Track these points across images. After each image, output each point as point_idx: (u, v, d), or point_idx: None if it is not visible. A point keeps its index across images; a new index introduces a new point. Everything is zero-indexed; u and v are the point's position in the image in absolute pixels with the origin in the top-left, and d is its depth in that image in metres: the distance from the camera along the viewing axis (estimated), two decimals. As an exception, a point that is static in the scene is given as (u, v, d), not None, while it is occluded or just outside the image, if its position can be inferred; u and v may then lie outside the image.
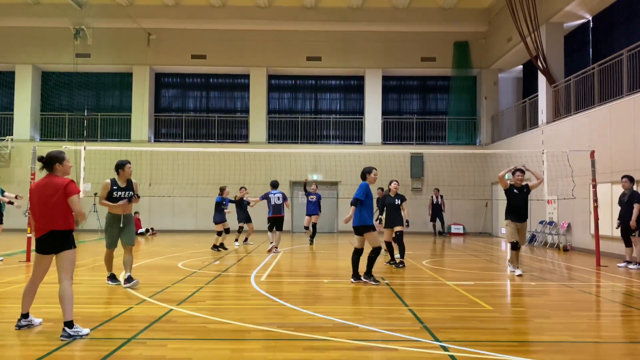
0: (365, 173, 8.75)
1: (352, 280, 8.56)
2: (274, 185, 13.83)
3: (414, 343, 4.88)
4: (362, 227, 8.46)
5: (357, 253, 8.66)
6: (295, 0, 23.22)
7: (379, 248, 8.56)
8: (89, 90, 24.40)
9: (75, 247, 5.32)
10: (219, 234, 13.84)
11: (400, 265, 10.62)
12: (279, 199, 13.47)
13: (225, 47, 23.73)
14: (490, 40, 23.17)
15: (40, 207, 5.16)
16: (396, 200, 11.07)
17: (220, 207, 14.02)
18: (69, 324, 4.94)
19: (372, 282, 8.42)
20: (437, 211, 21.03)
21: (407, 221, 11.04)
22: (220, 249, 13.79)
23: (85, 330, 5.02)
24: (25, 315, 5.35)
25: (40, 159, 5.27)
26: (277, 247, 13.36)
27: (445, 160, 21.35)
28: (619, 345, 5.06)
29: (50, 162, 5.22)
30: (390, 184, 11.35)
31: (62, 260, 5.17)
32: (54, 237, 5.17)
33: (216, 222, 13.89)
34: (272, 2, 23.32)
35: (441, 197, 21.01)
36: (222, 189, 14.34)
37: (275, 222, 13.44)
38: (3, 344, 4.82)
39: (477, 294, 7.53)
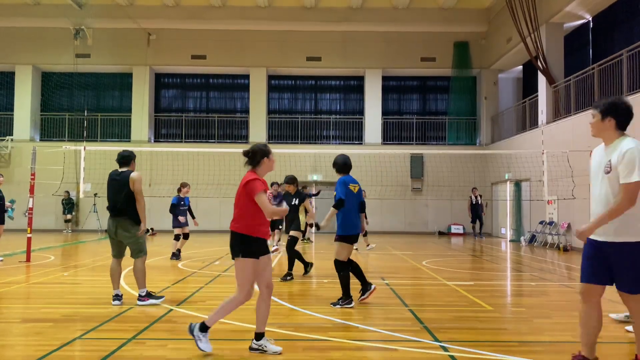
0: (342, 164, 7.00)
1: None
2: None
3: (414, 343, 4.88)
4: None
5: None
6: (295, 1, 23.22)
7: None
8: (89, 91, 24.42)
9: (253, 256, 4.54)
10: (177, 238, 11.93)
11: (288, 278, 8.72)
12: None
13: (225, 47, 23.73)
14: (490, 41, 23.18)
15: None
16: (294, 199, 9.31)
17: (179, 208, 11.84)
18: (260, 335, 4.53)
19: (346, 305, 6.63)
20: (476, 212, 20.45)
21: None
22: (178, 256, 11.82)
23: (277, 348, 4.50)
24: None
25: (247, 153, 4.72)
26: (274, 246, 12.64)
27: (445, 161, 21.36)
28: (619, 345, 5.06)
29: (256, 156, 4.70)
30: (285, 180, 9.34)
31: (235, 268, 4.58)
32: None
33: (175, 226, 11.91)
34: (272, 2, 23.32)
35: (480, 196, 20.48)
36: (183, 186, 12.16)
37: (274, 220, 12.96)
38: (3, 344, 4.82)
39: (477, 294, 7.53)
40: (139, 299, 6.54)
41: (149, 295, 6.63)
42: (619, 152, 3.69)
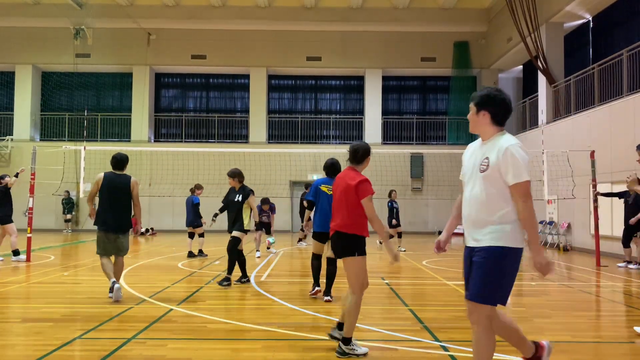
0: (339, 168, 7.02)
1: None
2: (263, 202, 13.09)
3: (414, 343, 4.88)
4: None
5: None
6: (295, 0, 23.22)
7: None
8: (89, 91, 24.42)
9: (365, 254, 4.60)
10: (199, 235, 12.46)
11: (225, 283, 7.95)
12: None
13: (225, 47, 23.73)
14: (490, 40, 23.17)
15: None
16: (237, 195, 8.34)
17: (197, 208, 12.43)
18: (347, 340, 4.46)
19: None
20: None
21: (256, 223, 7.76)
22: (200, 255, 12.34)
23: (362, 349, 4.47)
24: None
25: (355, 151, 4.71)
26: (258, 250, 12.54)
27: (445, 161, 21.33)
28: (619, 345, 5.06)
29: (362, 154, 4.71)
30: (228, 173, 8.63)
31: (346, 268, 4.57)
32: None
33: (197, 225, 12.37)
34: (272, 2, 23.32)
35: None
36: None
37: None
38: (3, 344, 4.82)
39: (477, 294, 7.51)
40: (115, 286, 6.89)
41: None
42: (499, 150, 3.23)
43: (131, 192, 7.05)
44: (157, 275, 9.17)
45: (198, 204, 12.45)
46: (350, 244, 4.51)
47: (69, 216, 21.83)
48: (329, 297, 7.00)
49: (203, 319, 5.79)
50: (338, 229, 4.57)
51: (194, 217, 12.31)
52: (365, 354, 4.46)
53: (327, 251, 6.94)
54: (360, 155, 4.72)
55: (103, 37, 23.38)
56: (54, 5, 22.45)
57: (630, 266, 10.85)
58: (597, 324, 6.15)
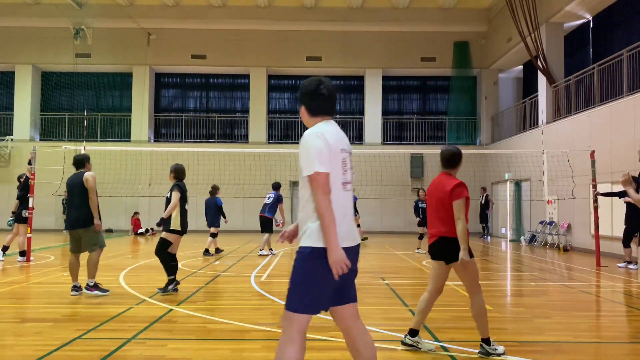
0: None
1: None
2: (274, 187, 13.10)
3: (414, 343, 4.87)
4: None
5: None
6: (295, 0, 23.22)
7: None
8: (89, 90, 24.41)
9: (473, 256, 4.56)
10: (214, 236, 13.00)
11: (170, 287, 7.33)
12: (269, 199, 12.91)
13: (225, 47, 23.73)
14: (490, 40, 23.17)
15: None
16: (168, 192, 7.76)
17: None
18: (487, 340, 4.48)
19: None
20: (482, 212, 20.20)
21: (161, 220, 7.43)
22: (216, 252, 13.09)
23: (501, 349, 4.48)
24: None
25: (452, 156, 4.77)
26: (262, 249, 12.86)
27: (445, 161, 21.33)
28: (619, 345, 5.06)
29: (457, 159, 4.78)
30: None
31: (459, 273, 4.58)
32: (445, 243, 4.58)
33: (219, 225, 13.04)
34: (272, 2, 23.32)
35: (486, 196, 20.23)
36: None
37: (260, 221, 12.89)
38: (3, 344, 4.82)
39: (477, 294, 7.52)
40: (86, 288, 7.10)
41: (96, 286, 7.14)
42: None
43: (85, 187, 7.09)
44: (157, 276, 9.16)
45: (221, 206, 13.14)
46: (456, 248, 4.50)
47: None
48: None
49: (203, 319, 5.79)
50: (443, 234, 4.54)
51: (215, 218, 12.95)
52: (503, 353, 4.48)
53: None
54: (456, 160, 4.77)
55: (103, 37, 23.38)
56: (54, 5, 22.44)
57: (631, 266, 10.85)
58: (598, 324, 6.15)
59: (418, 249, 14.13)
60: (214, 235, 12.92)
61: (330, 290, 2.95)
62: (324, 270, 2.84)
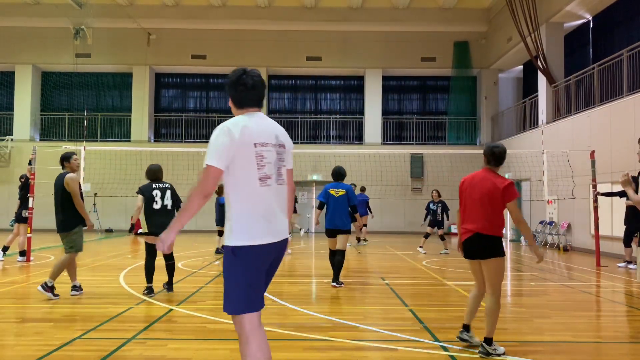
0: (344, 174, 8.51)
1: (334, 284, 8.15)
2: None
3: (414, 343, 4.88)
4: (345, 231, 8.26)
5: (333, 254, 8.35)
6: (295, 0, 23.21)
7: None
8: (89, 90, 24.40)
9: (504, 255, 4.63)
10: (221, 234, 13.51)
11: (145, 292, 7.23)
12: None
13: (225, 47, 23.72)
14: (490, 40, 23.17)
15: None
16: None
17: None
18: (489, 340, 4.52)
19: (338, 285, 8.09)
20: None
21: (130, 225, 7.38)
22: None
23: (501, 349, 4.54)
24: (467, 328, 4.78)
25: (501, 153, 4.74)
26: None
27: (446, 161, 21.34)
28: (619, 345, 5.06)
29: (504, 157, 4.74)
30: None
31: (488, 269, 4.61)
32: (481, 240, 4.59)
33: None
34: (272, 2, 23.31)
35: None
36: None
37: None
38: (3, 344, 4.82)
39: (477, 294, 7.52)
40: (42, 286, 6.84)
41: (52, 289, 6.85)
42: None
43: (66, 189, 6.87)
44: (156, 276, 9.14)
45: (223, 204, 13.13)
46: (495, 245, 4.54)
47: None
48: (335, 284, 8.07)
49: (203, 319, 5.79)
50: (479, 231, 4.56)
51: (222, 217, 13.02)
52: (504, 353, 4.51)
53: (339, 244, 8.15)
54: (502, 157, 4.74)
55: (103, 37, 23.37)
56: (54, 5, 22.44)
57: (631, 266, 10.85)
58: (597, 324, 6.15)
59: (421, 247, 14.05)
60: (222, 234, 13.16)
61: (261, 288, 2.95)
62: (251, 270, 2.86)
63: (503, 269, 4.61)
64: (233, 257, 2.85)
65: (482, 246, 4.55)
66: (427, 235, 14.12)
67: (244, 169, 2.86)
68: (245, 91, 3.12)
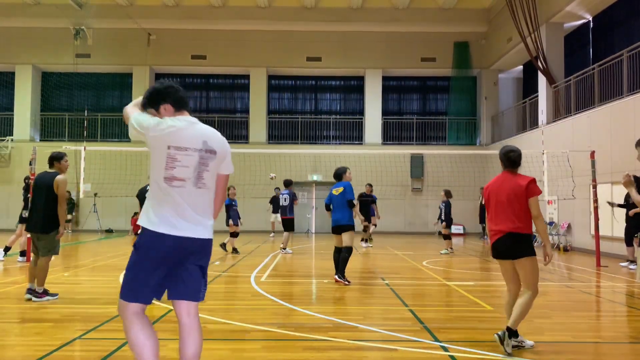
0: (341, 173, 8.88)
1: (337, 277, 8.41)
2: (285, 184, 13.80)
3: (414, 343, 4.88)
4: (347, 226, 8.56)
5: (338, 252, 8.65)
6: (295, 1, 23.22)
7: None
8: (89, 91, 24.41)
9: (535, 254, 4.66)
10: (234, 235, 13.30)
11: (27, 296, 6.77)
12: (285, 200, 13.50)
13: (225, 47, 23.73)
14: (490, 41, 23.17)
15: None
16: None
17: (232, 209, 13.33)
18: (514, 333, 4.58)
19: (345, 282, 8.29)
20: (484, 212, 19.65)
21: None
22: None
23: (529, 343, 4.72)
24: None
25: (519, 156, 4.79)
26: (284, 248, 13.41)
27: (446, 161, 21.34)
28: (619, 346, 5.06)
29: (521, 159, 4.80)
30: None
31: (523, 268, 4.65)
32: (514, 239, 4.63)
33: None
34: (272, 2, 23.32)
35: None
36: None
37: (283, 223, 13.68)
38: (3, 344, 4.82)
39: (477, 294, 7.53)
40: (35, 295, 6.65)
41: (46, 292, 6.76)
42: None
43: (55, 191, 6.59)
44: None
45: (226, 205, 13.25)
46: (527, 243, 4.60)
47: (69, 217, 21.81)
48: (338, 277, 8.33)
49: (203, 319, 5.77)
50: (513, 230, 4.59)
51: (227, 217, 13.27)
52: (531, 346, 4.67)
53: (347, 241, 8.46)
54: (517, 161, 4.77)
55: (103, 37, 23.38)
56: (54, 5, 22.45)
57: (631, 266, 10.84)
58: (598, 325, 6.15)
59: (451, 249, 13.85)
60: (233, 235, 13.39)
61: (154, 281, 3.02)
62: (143, 258, 3.00)
63: (537, 267, 4.65)
64: (135, 246, 3.05)
65: (514, 245, 4.60)
66: (445, 237, 14.02)
67: (154, 167, 3.06)
68: (154, 95, 3.23)
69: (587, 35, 18.02)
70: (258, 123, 23.67)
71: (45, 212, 6.61)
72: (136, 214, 21.43)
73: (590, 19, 17.66)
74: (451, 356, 4.49)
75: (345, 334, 5.21)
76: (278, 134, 24.20)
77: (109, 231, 21.74)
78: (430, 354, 4.53)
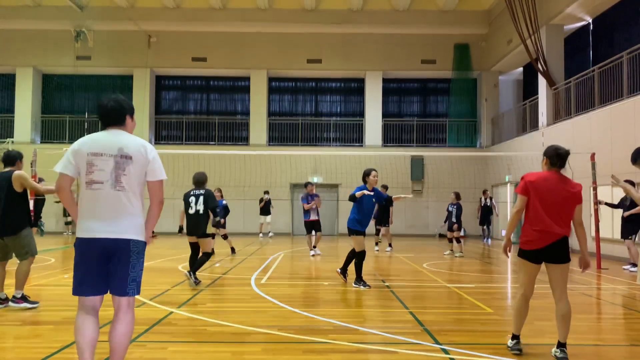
0: (365, 175, 8.75)
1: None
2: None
3: (415, 346, 4.87)
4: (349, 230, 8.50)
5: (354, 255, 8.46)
6: (295, 3, 23.25)
7: (363, 252, 8.31)
8: (90, 93, 24.43)
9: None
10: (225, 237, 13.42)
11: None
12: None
13: (226, 49, 23.75)
14: (490, 43, 23.18)
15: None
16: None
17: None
18: (564, 345, 4.45)
19: (362, 287, 8.16)
20: (486, 214, 19.38)
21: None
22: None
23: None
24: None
25: (565, 156, 4.68)
26: (314, 247, 13.43)
27: (446, 163, 21.35)
28: (620, 348, 5.05)
29: (565, 159, 4.69)
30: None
31: (563, 272, 4.53)
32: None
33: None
34: (272, 5, 23.35)
35: (490, 198, 19.48)
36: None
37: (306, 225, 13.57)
38: (3, 347, 4.82)
39: (477, 297, 7.52)
40: (12, 300, 6.37)
41: (24, 298, 6.42)
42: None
43: (17, 189, 6.25)
44: (157, 278, 9.16)
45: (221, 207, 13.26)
46: (569, 248, 4.55)
47: (69, 219, 21.82)
48: (340, 270, 8.60)
49: (204, 322, 5.78)
50: (566, 234, 4.53)
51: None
52: None
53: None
54: (566, 158, 4.65)
55: (104, 39, 23.41)
56: (55, 7, 22.49)
57: (632, 269, 10.83)
58: (598, 327, 6.14)
59: (460, 252, 13.76)
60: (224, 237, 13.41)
61: (93, 278, 3.43)
62: (77, 259, 3.47)
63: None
64: (74, 245, 3.51)
65: (565, 249, 4.53)
66: (458, 240, 13.91)
67: (81, 174, 3.48)
68: (101, 114, 3.65)
69: (587, 37, 18.03)
70: (258, 125, 23.68)
71: (7, 213, 6.19)
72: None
73: (590, 21, 17.67)
74: (452, 359, 4.48)
75: (346, 336, 5.20)
76: (278, 135, 24.20)
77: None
78: (431, 357, 4.53)
